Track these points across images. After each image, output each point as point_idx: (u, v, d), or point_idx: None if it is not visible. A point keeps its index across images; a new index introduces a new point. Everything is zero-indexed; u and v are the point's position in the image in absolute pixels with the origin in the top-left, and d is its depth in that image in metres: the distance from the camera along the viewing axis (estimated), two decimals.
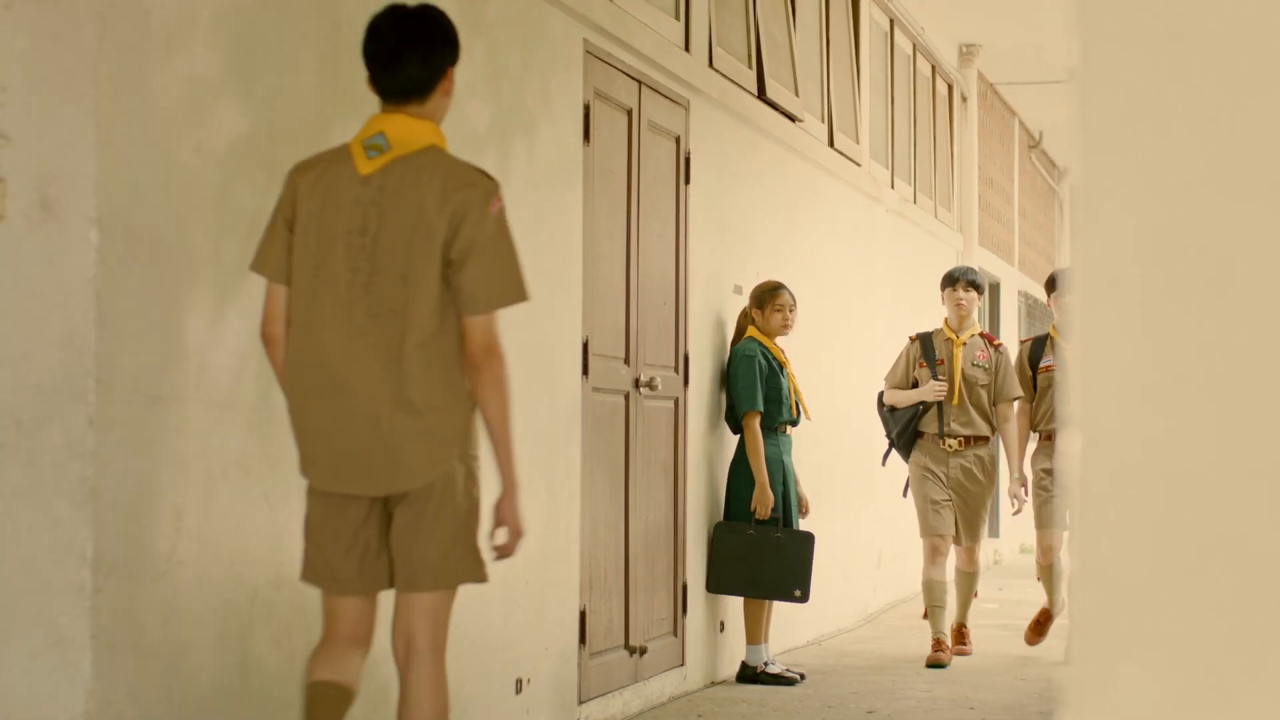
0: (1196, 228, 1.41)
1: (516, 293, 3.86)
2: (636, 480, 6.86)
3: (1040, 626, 8.66)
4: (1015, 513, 8.67)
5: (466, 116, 5.29)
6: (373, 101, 4.46)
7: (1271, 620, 1.37)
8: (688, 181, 7.49)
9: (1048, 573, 8.61)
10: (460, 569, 3.91)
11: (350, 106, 4.72)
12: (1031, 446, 8.76)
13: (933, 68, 13.06)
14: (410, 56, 3.88)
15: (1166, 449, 1.41)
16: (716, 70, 7.90)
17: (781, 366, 7.79)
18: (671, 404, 7.31)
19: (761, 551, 7.59)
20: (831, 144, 10.05)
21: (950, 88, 13.70)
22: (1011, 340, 14.58)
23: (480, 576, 3.96)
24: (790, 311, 7.80)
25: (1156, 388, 1.41)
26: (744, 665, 7.80)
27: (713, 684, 7.75)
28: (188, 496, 4.00)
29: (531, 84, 5.87)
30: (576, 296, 6.25)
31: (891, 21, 11.81)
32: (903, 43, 12.16)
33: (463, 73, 4.45)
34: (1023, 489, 8.52)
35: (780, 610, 8.20)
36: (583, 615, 6.31)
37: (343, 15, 4.70)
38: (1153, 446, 1.41)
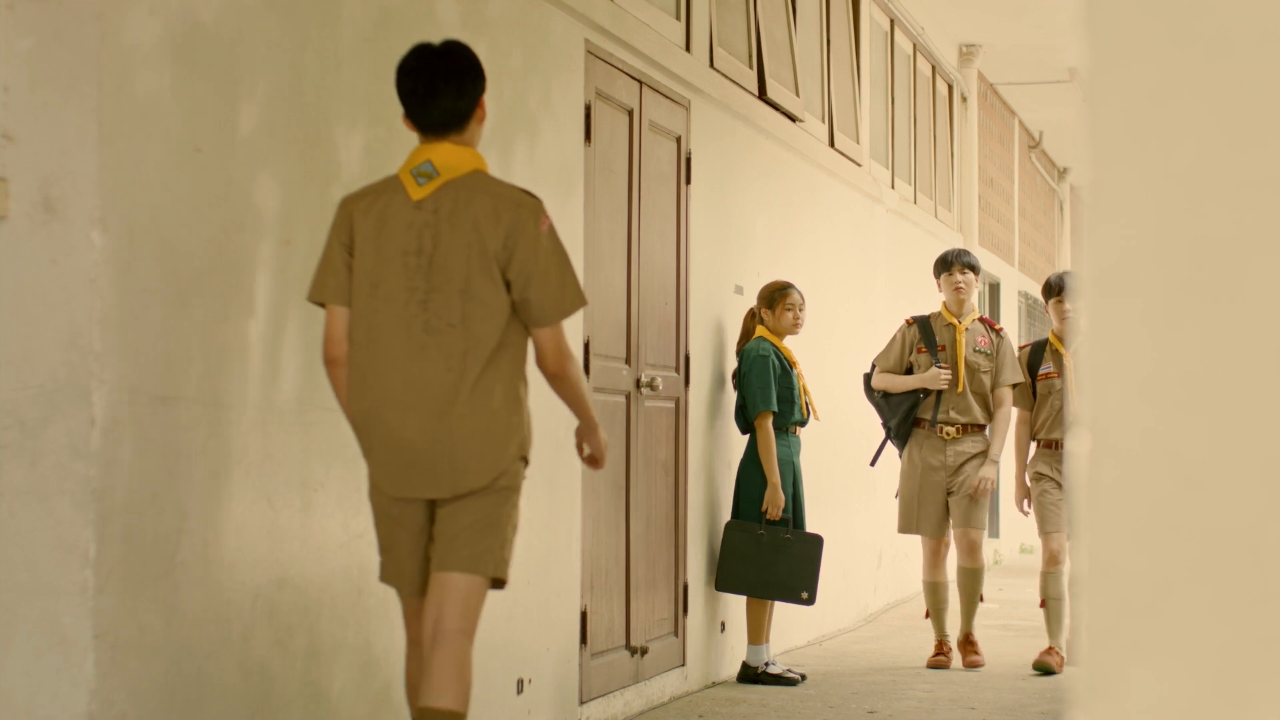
0: (1205, 229, 1.41)
1: (576, 300, 4.17)
2: (637, 480, 6.86)
3: (1047, 657, 8.19)
4: (976, 497, 8.28)
5: None
6: (373, 102, 4.45)
7: None
8: (688, 181, 7.49)
9: (1051, 590, 8.18)
10: (489, 559, 4.11)
11: (351, 107, 4.72)
12: (1030, 454, 8.41)
13: (933, 68, 13.06)
14: (445, 91, 4.15)
15: (1175, 450, 1.41)
16: (717, 70, 7.90)
17: (791, 366, 7.78)
18: (672, 404, 7.31)
19: (771, 552, 7.59)
20: (832, 144, 10.05)
21: (950, 88, 13.71)
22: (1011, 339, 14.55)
23: (504, 575, 4.16)
24: (800, 310, 7.80)
25: (1165, 389, 1.41)
26: (745, 665, 7.80)
27: (714, 684, 7.75)
28: (190, 497, 4.00)
29: (533, 84, 5.87)
30: None
31: (892, 21, 11.81)
32: (903, 43, 12.16)
33: None
34: (1026, 499, 8.25)
35: (781, 610, 8.19)
36: (584, 615, 6.31)
37: (344, 16, 4.70)
38: (1162, 448, 1.41)
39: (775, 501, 7.56)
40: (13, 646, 3.68)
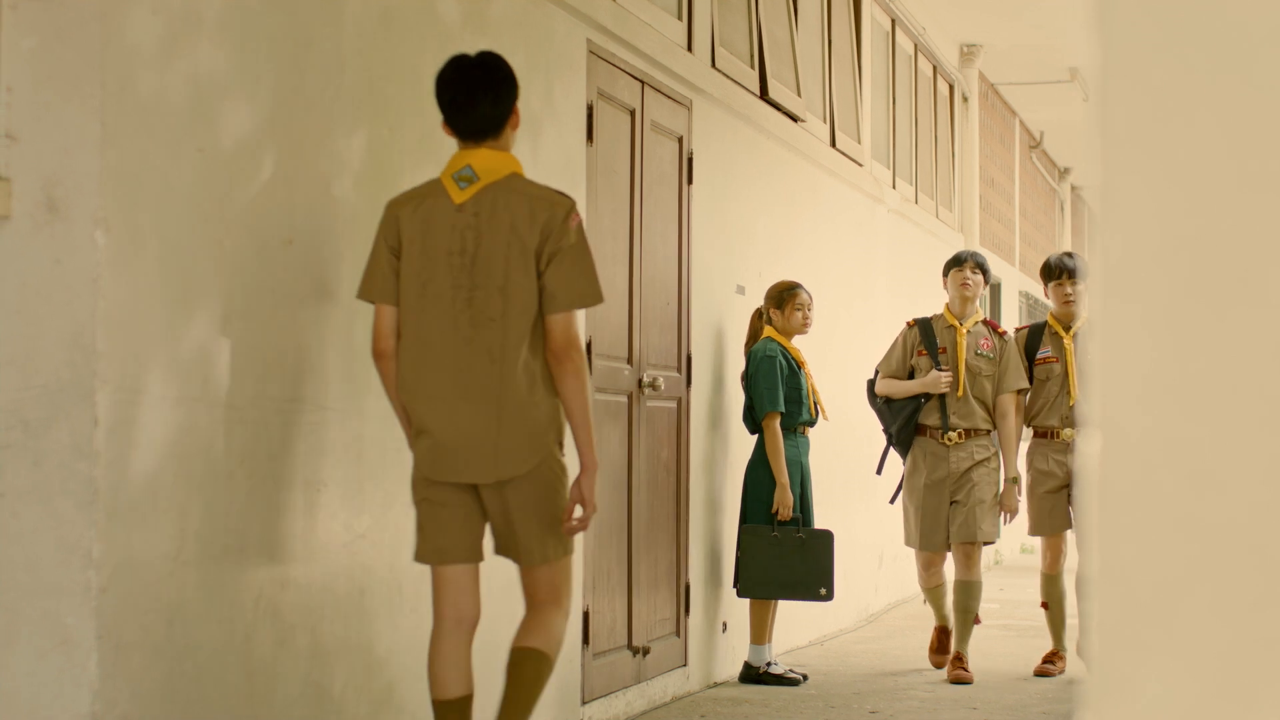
0: (1217, 227, 1.41)
1: (593, 295, 4.42)
2: (639, 480, 6.85)
3: (1050, 661, 8.14)
4: (1008, 521, 8.11)
5: None
6: (375, 102, 4.45)
7: None
8: (690, 182, 7.49)
9: (1053, 592, 8.11)
10: (558, 547, 4.49)
11: (354, 107, 4.72)
12: (1025, 445, 8.23)
13: (934, 68, 13.06)
14: (483, 100, 4.42)
15: (1188, 449, 1.40)
16: (719, 70, 7.90)
17: (800, 367, 7.76)
18: (674, 404, 7.30)
19: (787, 553, 7.58)
20: (833, 144, 10.05)
21: (951, 88, 13.71)
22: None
23: (570, 550, 4.54)
24: (809, 310, 7.77)
25: (1177, 391, 1.41)
26: (747, 665, 7.80)
27: (715, 684, 7.75)
28: (192, 497, 4.00)
29: (535, 84, 5.87)
30: None
31: (893, 21, 11.81)
32: (904, 43, 12.16)
33: None
34: (1016, 491, 8.01)
35: (783, 610, 8.19)
36: (586, 615, 6.31)
37: (347, 16, 4.70)
38: (1174, 447, 1.41)
39: (784, 502, 7.56)
40: (16, 647, 3.68)
